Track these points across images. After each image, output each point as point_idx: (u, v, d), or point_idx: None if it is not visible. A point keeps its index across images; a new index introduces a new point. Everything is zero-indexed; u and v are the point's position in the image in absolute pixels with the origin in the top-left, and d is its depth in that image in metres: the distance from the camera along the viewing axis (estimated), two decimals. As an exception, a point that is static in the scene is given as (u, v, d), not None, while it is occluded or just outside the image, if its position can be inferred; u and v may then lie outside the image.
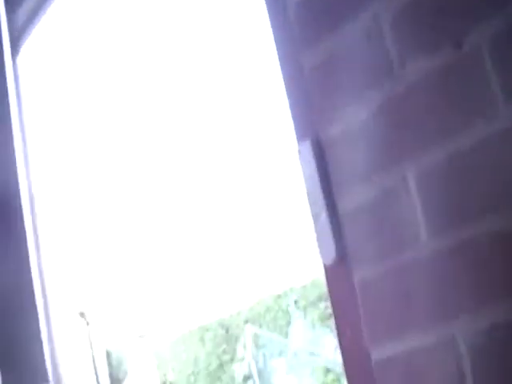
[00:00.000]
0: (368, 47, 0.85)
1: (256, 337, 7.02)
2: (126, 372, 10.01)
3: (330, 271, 0.90)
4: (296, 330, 7.19)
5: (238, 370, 7.81)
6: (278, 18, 1.00)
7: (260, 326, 7.10)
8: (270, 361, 6.83)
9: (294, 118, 0.96)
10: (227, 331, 8.57)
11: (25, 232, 1.56)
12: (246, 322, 7.30)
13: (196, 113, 8.87)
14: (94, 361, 7.21)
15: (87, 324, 7.32)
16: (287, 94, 0.98)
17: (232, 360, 8.11)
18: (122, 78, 8.98)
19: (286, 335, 7.28)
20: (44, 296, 1.56)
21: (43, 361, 1.48)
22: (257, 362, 6.85)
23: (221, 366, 8.52)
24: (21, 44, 1.80)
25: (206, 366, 8.68)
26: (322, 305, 7.68)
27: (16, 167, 1.63)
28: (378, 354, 0.82)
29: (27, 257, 1.55)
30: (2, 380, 1.46)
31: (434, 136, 0.80)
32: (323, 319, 7.60)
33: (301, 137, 0.93)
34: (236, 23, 8.13)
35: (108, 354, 10.20)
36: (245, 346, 7.02)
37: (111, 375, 10.15)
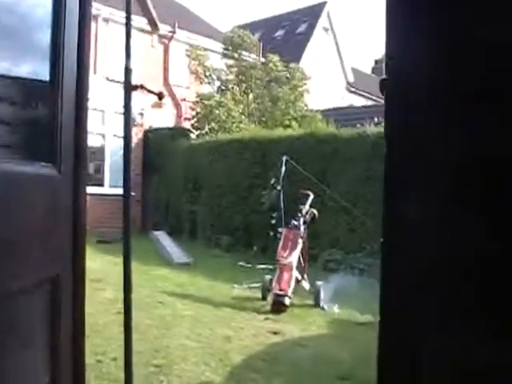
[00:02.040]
0: None
1: (291, 171, 6.51)
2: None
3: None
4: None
5: (267, 197, 7.49)
6: None
7: (297, 163, 6.53)
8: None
9: None
10: (264, 156, 8.11)
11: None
12: (284, 153, 6.72)
13: None
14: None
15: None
16: None
17: (262, 187, 7.77)
18: None
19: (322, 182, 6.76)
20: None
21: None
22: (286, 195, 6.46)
23: (250, 187, 8.23)
24: None
25: (236, 183, 8.41)
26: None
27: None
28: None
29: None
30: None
31: None
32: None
33: None
34: None
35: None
36: (277, 176, 6.57)
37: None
